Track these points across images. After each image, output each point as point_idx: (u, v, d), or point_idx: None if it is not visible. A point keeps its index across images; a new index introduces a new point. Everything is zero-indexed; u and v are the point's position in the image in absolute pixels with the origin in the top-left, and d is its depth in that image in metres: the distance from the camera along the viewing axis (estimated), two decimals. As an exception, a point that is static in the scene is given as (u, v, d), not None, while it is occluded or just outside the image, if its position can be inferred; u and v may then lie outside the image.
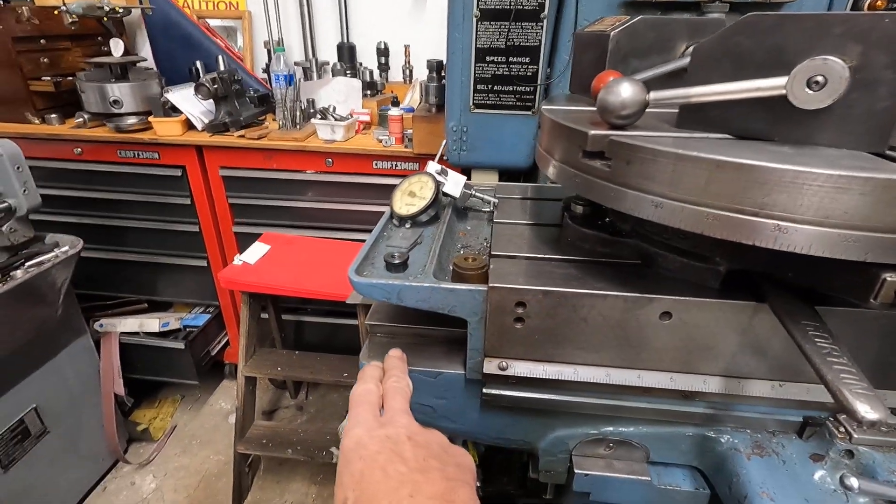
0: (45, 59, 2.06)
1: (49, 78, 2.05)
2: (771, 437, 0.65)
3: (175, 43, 2.29)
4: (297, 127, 1.97)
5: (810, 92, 0.45)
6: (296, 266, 1.76)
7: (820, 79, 0.44)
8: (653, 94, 0.53)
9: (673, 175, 0.48)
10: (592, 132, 0.54)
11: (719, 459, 0.65)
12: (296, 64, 2.43)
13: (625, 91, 0.53)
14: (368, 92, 2.25)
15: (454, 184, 0.81)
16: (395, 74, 2.45)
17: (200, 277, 2.28)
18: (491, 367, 0.64)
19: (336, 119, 1.89)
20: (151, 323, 2.20)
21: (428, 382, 0.69)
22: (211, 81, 1.89)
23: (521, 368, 0.63)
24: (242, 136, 1.92)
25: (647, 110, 0.54)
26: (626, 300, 0.58)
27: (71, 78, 2.05)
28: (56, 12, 1.94)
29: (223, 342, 2.47)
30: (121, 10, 1.98)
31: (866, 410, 0.37)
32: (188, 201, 2.09)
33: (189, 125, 2.00)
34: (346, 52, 2.35)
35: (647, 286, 0.59)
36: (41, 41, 2.03)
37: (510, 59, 1.38)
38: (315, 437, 1.94)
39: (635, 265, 0.65)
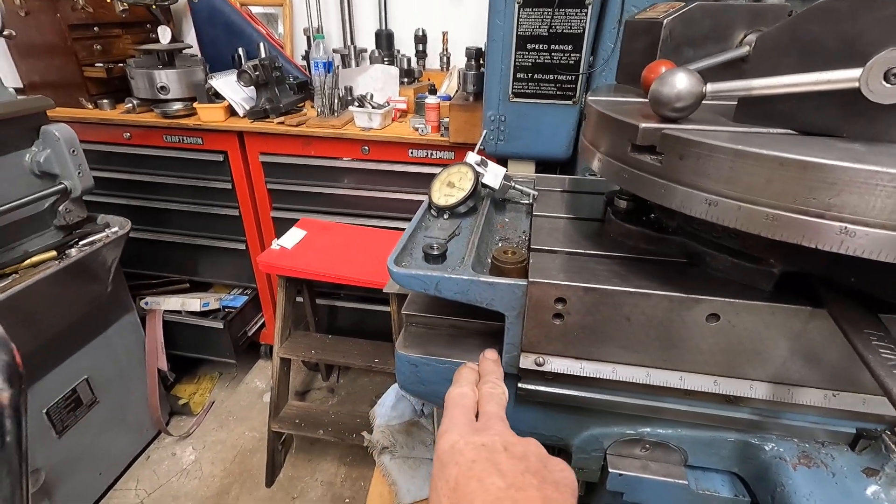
0: (98, 46, 2.15)
1: (101, 64, 2.13)
2: (820, 447, 0.62)
3: (218, 30, 2.34)
4: (335, 114, 1.99)
5: (888, 85, 0.42)
6: (331, 252, 1.79)
7: (898, 71, 0.41)
8: (710, 86, 0.50)
9: (731, 172, 0.45)
10: (644, 125, 0.52)
11: (762, 467, 0.63)
12: (334, 51, 2.45)
13: (680, 82, 0.50)
14: (405, 79, 2.24)
15: (493, 175, 0.80)
16: (433, 62, 2.43)
17: (239, 260, 2.35)
18: (527, 362, 0.63)
19: (373, 107, 1.89)
20: (193, 302, 2.29)
21: (463, 374, 0.69)
22: (253, 68, 1.92)
23: (558, 365, 0.62)
24: (282, 123, 1.96)
25: (717, 104, 0.51)
26: (671, 300, 0.56)
27: (122, 65, 2.13)
28: (108, 0, 2.01)
29: (259, 323, 2.54)
30: (169, -2, 2.03)
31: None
32: (229, 186, 2.15)
33: (231, 111, 2.04)
34: (384, 40, 2.35)
35: (694, 286, 0.57)
36: (94, 28, 2.11)
37: (552, 46, 1.35)
38: (346, 419, 1.99)
39: (682, 264, 0.63)
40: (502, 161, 1.61)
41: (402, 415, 1.21)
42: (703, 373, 0.60)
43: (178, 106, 2.04)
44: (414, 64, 2.35)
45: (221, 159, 2.09)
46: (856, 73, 0.43)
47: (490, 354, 0.61)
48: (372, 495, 1.09)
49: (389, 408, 1.24)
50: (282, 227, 2.17)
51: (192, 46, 2.27)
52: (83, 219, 1.72)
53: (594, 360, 0.62)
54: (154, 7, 2.02)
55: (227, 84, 2.01)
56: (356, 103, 1.93)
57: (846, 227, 0.41)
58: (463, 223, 0.79)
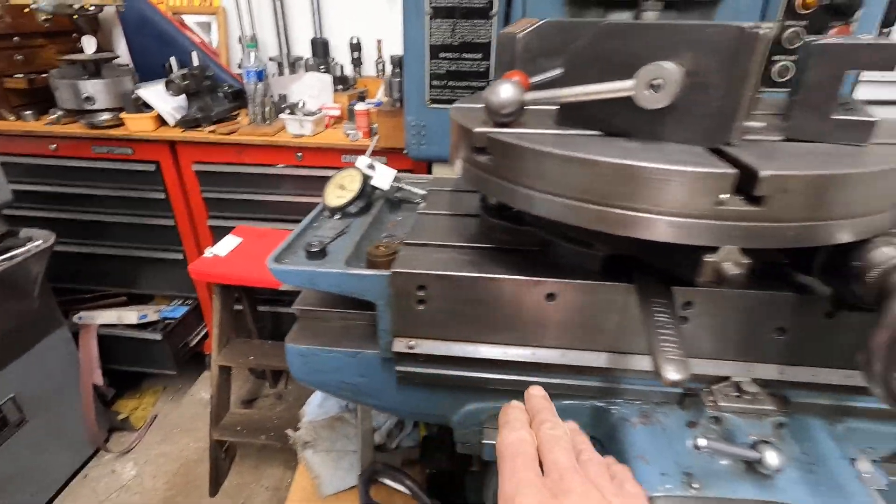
0: (20, 57, 2.10)
1: (23, 75, 2.08)
2: (656, 407, 0.70)
3: (150, 39, 2.32)
4: (267, 122, 2.01)
5: (652, 93, 0.50)
6: (266, 258, 1.81)
7: (658, 81, 0.50)
8: (529, 95, 0.58)
9: (536, 169, 0.53)
10: (476, 129, 0.59)
11: (612, 429, 0.71)
12: (270, 59, 2.47)
13: (504, 92, 0.58)
14: (340, 86, 2.28)
15: (383, 177, 0.86)
16: (370, 69, 2.49)
17: (178, 270, 2.33)
18: (400, 346, 0.69)
19: (304, 114, 1.93)
20: (130, 315, 2.25)
21: (349, 362, 0.75)
22: (181, 78, 1.92)
23: (427, 347, 0.69)
24: (213, 132, 1.96)
25: (552, 109, 0.58)
26: (515, 283, 0.63)
27: (45, 75, 2.09)
28: (27, 10, 1.97)
29: (202, 333, 2.52)
30: (92, 8, 2.01)
31: (669, 372, 0.43)
32: (163, 196, 2.14)
33: (161, 121, 2.03)
34: (320, 48, 2.39)
35: (535, 270, 0.64)
36: (14, 39, 2.06)
37: (463, 55, 1.42)
38: (290, 424, 1.99)
39: (534, 252, 0.70)
40: (427, 164, 1.68)
41: (328, 411, 1.25)
42: (552, 347, 0.67)
43: (105, 116, 2.02)
44: (349, 71, 2.39)
45: (153, 169, 2.08)
46: (630, 83, 0.51)
47: (536, 391, 0.53)
48: (294, 489, 1.13)
49: (317, 406, 1.27)
50: (220, 235, 2.16)
51: (119, 56, 2.24)
52: (3, 233, 1.68)
53: (458, 340, 0.69)
54: (76, 17, 1.99)
55: (156, 94, 2.00)
56: (287, 111, 1.96)
57: (624, 214, 0.49)
58: (354, 222, 0.84)
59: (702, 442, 0.57)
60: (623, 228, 0.49)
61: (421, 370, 0.72)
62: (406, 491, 1.11)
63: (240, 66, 2.47)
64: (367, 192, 0.85)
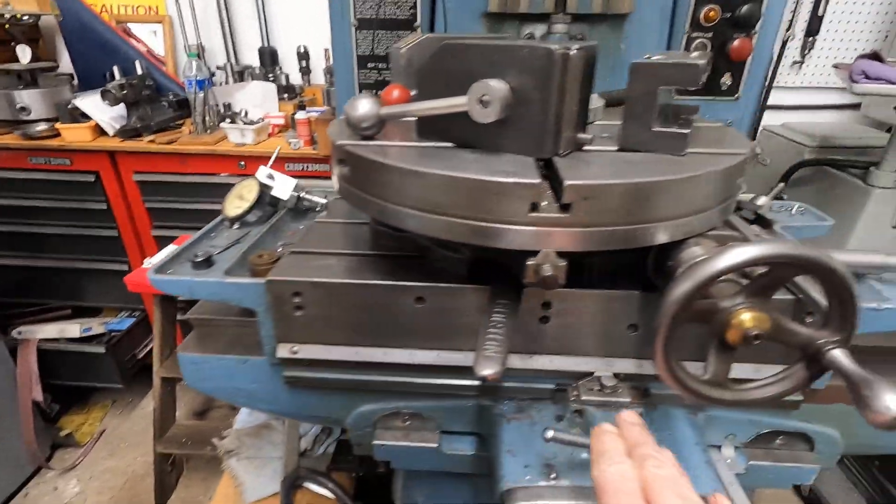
0: (-48, 67, 2.04)
1: (-46, 85, 2.03)
2: (533, 403, 0.74)
3: (92, 48, 2.29)
4: (209, 131, 2.01)
5: (482, 108, 0.54)
6: (206, 267, 1.80)
7: (487, 98, 0.53)
8: (384, 110, 0.61)
9: (377, 179, 0.56)
10: (338, 142, 0.62)
11: (491, 425, 0.74)
12: (218, 68, 2.46)
13: (361, 107, 0.61)
14: (286, 95, 2.29)
15: (283, 187, 0.89)
16: (319, 78, 2.50)
17: (123, 282, 2.29)
18: (284, 351, 0.71)
19: (246, 123, 1.93)
20: (72, 329, 2.21)
21: (240, 369, 0.77)
22: (119, 87, 1.91)
23: (309, 352, 0.71)
24: (153, 141, 1.95)
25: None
26: (385, 288, 0.66)
27: (-23, 85, 2.04)
28: (-44, 20, 1.93)
29: (151, 346, 2.48)
30: (26, 17, 1.98)
31: (480, 368, 0.46)
32: (104, 206, 2.11)
33: (101, 131, 2.01)
34: (268, 56, 2.39)
35: (408, 275, 0.67)
36: (-54, 48, 2.01)
37: (389, 65, 1.45)
38: (236, 433, 1.99)
39: (414, 257, 0.73)
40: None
41: (258, 419, 1.25)
42: (427, 348, 0.70)
43: (41, 126, 1.98)
44: (297, 80, 2.41)
45: (93, 180, 2.05)
46: (464, 99, 0.55)
47: (631, 417, 0.50)
48: (217, 497, 1.13)
49: (247, 413, 1.28)
50: (165, 245, 2.14)
51: (58, 65, 2.21)
52: (-72, 248, 1.64)
53: (339, 344, 0.71)
54: (8, 27, 1.96)
55: (93, 103, 1.98)
56: (229, 120, 1.96)
57: (446, 220, 0.52)
58: (252, 231, 0.86)
59: (549, 434, 0.60)
60: (451, 235, 0.52)
61: (306, 374, 0.74)
62: (330, 495, 1.13)
63: (183, 75, 2.46)
64: (265, 202, 0.87)
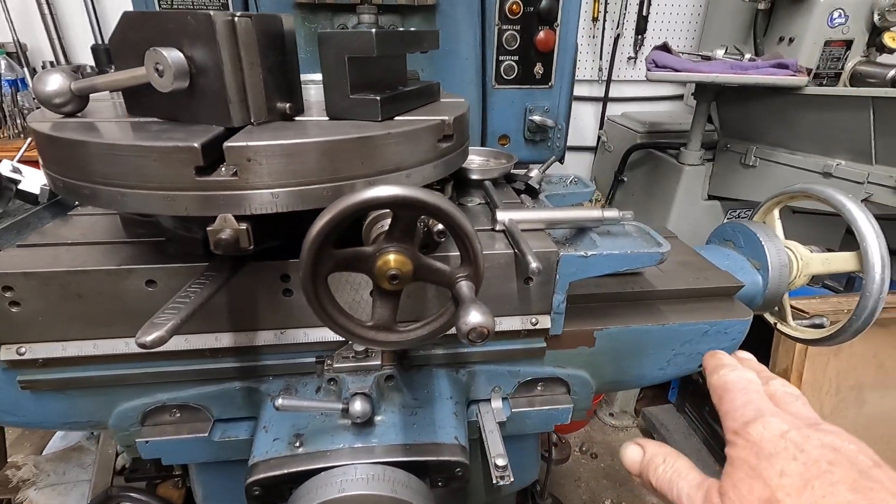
0: None
1: None
2: (301, 378, 0.74)
3: None
4: (22, 135, 1.82)
5: (160, 78, 0.53)
6: None
7: (161, 67, 0.52)
8: (76, 84, 0.58)
9: (57, 154, 0.53)
10: (32, 123, 0.58)
11: (258, 407, 0.74)
12: (43, 68, 2.23)
13: (52, 82, 0.58)
14: (125, 96, 2.13)
15: (32, 180, 0.82)
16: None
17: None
18: (9, 353, 0.66)
19: (67, 125, 1.77)
20: None
21: (-33, 379, 0.69)
22: None
23: (39, 351, 0.66)
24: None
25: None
26: (108, 273, 0.63)
27: None
28: None
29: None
30: None
31: (140, 335, 0.45)
32: None
33: None
34: (103, 55, 2.21)
35: (138, 259, 0.64)
36: None
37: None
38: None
39: (161, 242, 0.71)
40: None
41: (71, 441, 1.15)
42: (181, 333, 0.68)
43: None
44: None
45: None
46: (143, 70, 0.54)
47: (747, 355, 0.54)
48: (9, 534, 1.02)
49: (60, 438, 1.17)
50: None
51: None
52: None
53: (75, 339, 0.67)
54: None
55: None
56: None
57: (120, 192, 0.50)
58: (-5, 231, 0.78)
59: (279, 402, 0.61)
60: (119, 205, 0.51)
61: (46, 377, 0.68)
62: (149, 511, 1.06)
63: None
64: (9, 197, 0.79)
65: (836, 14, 1.81)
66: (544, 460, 1.96)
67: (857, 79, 1.88)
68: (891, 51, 1.86)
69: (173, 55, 0.52)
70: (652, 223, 0.84)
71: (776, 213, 1.03)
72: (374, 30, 0.55)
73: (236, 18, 0.51)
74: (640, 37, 2.61)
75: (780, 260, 0.93)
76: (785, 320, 1.05)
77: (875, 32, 1.85)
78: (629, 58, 2.68)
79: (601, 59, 2.63)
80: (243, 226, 0.51)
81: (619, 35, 2.57)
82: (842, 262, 0.93)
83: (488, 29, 1.47)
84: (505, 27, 1.48)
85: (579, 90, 2.73)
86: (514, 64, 1.52)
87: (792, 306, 1.67)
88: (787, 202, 1.02)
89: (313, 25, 1.36)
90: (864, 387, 1.66)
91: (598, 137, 2.71)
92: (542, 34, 1.48)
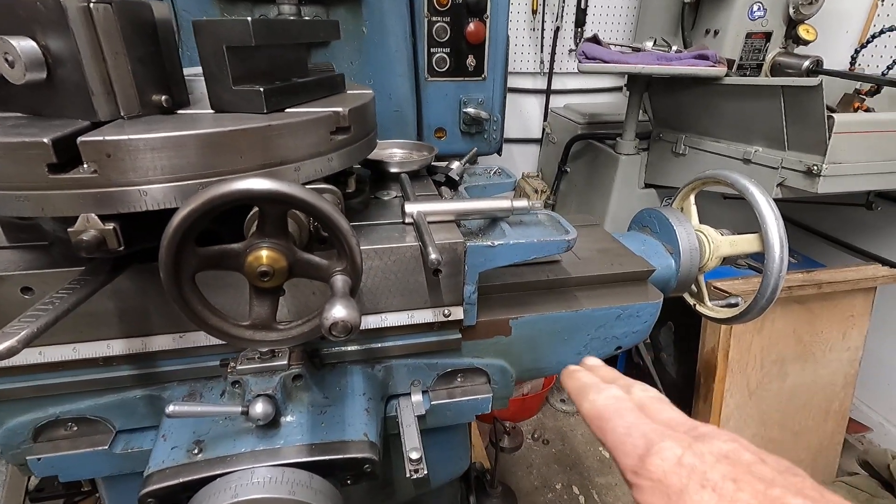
0: None
1: None
2: (207, 383, 0.72)
3: None
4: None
5: (11, 69, 0.49)
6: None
7: (10, 56, 0.49)
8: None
9: None
10: None
11: (160, 414, 0.70)
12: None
13: None
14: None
15: None
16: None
17: None
18: None
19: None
20: None
21: None
22: None
23: None
24: None
25: None
26: (-30, 281, 0.58)
27: None
28: None
29: None
30: None
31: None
32: None
33: None
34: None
35: (11, 264, 0.60)
36: None
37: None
38: None
39: (41, 247, 0.66)
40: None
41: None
42: (59, 343, 0.64)
43: None
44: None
45: None
46: (-10, 60, 0.49)
47: (595, 361, 0.53)
48: None
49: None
50: None
51: None
52: None
53: (-56, 355, 0.61)
54: None
55: None
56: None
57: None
58: None
59: (170, 409, 0.58)
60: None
61: None
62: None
63: None
64: None
65: (755, 7, 1.89)
66: (494, 449, 1.99)
67: (776, 69, 1.98)
68: (806, 42, 1.97)
69: (23, 44, 0.48)
70: (593, 212, 0.86)
71: (692, 198, 1.07)
72: (250, 18, 0.53)
73: (92, 5, 0.48)
74: (579, 29, 2.65)
75: (691, 244, 0.96)
76: (702, 301, 1.10)
77: (791, 25, 1.95)
78: (570, 50, 2.72)
79: (542, 51, 2.66)
80: (110, 226, 0.48)
81: (558, 28, 2.60)
82: (746, 243, 0.97)
83: (418, 21, 1.46)
84: (435, 19, 1.47)
85: (523, 82, 2.76)
86: (445, 56, 1.52)
87: (716, 287, 1.75)
88: (701, 188, 1.06)
89: (233, 17, 1.31)
90: (785, 360, 1.76)
91: (543, 129, 2.75)
92: (472, 26, 1.48)
